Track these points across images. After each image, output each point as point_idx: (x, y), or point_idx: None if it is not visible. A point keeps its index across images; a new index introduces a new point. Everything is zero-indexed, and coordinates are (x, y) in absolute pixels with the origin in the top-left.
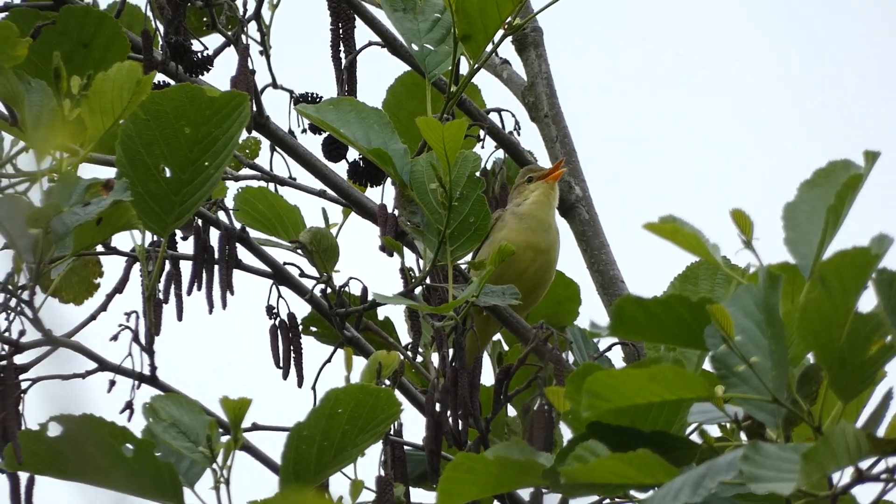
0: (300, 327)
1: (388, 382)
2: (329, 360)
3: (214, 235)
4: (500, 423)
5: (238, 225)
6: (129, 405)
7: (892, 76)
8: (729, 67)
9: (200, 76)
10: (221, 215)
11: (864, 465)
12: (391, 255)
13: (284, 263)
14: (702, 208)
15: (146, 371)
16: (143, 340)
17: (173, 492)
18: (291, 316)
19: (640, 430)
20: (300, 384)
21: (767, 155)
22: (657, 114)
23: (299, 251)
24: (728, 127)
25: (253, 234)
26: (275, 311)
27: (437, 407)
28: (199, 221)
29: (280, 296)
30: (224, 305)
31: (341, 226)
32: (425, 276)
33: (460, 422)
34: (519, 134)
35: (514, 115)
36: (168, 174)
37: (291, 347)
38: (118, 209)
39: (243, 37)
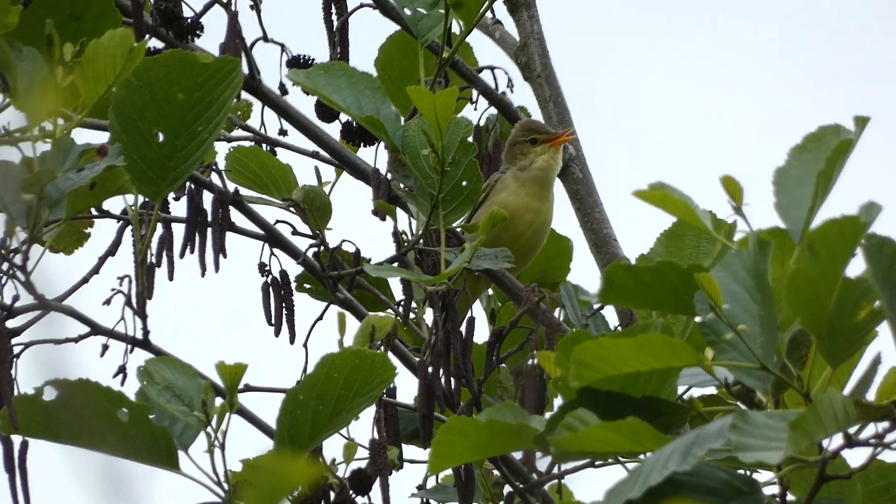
0: (293, 284)
1: (380, 346)
2: (321, 318)
3: (207, 198)
4: (492, 382)
5: (231, 188)
6: (122, 369)
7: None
8: (726, 25)
9: (191, 41)
10: (214, 178)
11: (853, 430)
12: (384, 218)
13: (277, 222)
14: (696, 168)
15: (139, 335)
16: (135, 304)
17: (168, 456)
18: (283, 273)
19: (629, 396)
20: (292, 341)
21: (764, 112)
22: (650, 72)
23: (292, 209)
24: (723, 86)
25: (245, 192)
26: (267, 268)
27: (430, 371)
28: (192, 184)
29: (272, 254)
30: (217, 268)
31: (334, 184)
32: (417, 240)
33: (453, 383)
34: (512, 92)
35: (507, 73)
36: (161, 139)
37: (283, 304)
38: (112, 174)
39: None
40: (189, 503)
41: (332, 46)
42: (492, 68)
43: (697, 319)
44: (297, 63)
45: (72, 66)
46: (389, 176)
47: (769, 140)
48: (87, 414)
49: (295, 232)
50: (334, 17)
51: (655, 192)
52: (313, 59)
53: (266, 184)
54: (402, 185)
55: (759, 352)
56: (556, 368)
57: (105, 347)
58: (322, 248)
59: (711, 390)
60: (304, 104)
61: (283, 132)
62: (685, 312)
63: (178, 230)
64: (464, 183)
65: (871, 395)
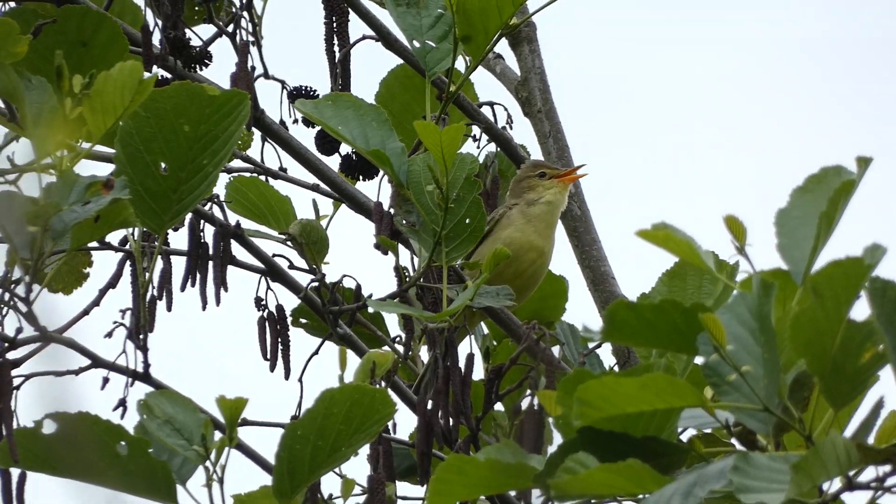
0: (289, 319)
1: (381, 382)
2: (316, 353)
3: (209, 231)
4: (488, 420)
5: (233, 221)
6: (122, 402)
7: None
8: (727, 63)
9: (199, 71)
10: (216, 210)
11: (853, 472)
12: (385, 253)
13: (274, 255)
14: (696, 205)
15: (139, 368)
16: (136, 337)
17: (167, 490)
18: (280, 308)
19: (630, 436)
20: (287, 376)
21: (766, 150)
22: (651, 110)
23: (289, 243)
24: (723, 124)
25: (243, 223)
26: (263, 302)
27: (429, 408)
28: (193, 216)
29: (269, 288)
30: (218, 302)
31: (331, 218)
32: (419, 277)
33: (451, 420)
34: (511, 128)
35: (506, 109)
36: (166, 172)
37: (279, 339)
38: (116, 207)
39: (242, 31)
40: None
41: (333, 79)
42: (492, 104)
43: (699, 360)
44: (300, 94)
45: (80, 98)
46: (392, 211)
47: (772, 176)
48: (87, 447)
49: (292, 266)
50: (336, 49)
51: (658, 233)
52: (316, 91)
53: (265, 214)
54: (404, 221)
55: (761, 393)
56: (557, 407)
57: (106, 380)
58: (322, 285)
59: (708, 429)
60: (304, 137)
61: (282, 169)
62: (687, 352)
63: (178, 262)
64: (467, 220)
65: (871, 438)
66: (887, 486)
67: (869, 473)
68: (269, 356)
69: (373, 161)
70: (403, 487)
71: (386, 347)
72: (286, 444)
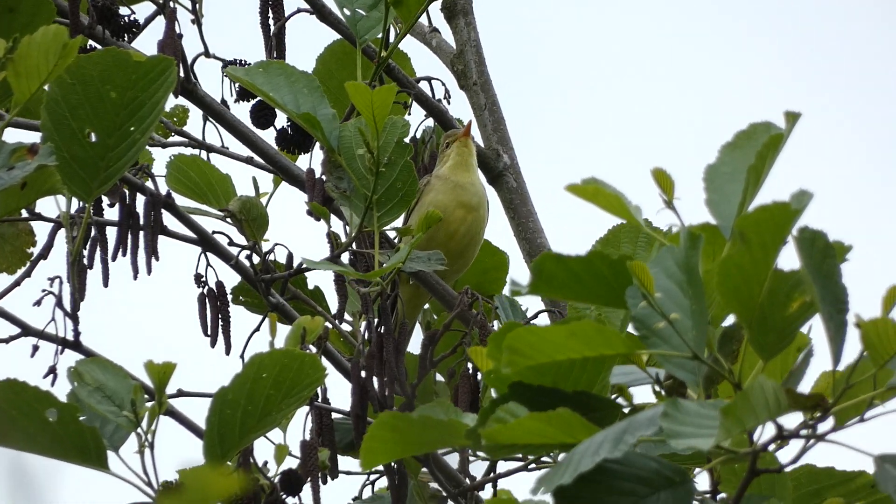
0: (229, 297)
1: (312, 348)
2: (258, 329)
3: (140, 201)
4: (427, 390)
5: (164, 191)
6: (52, 370)
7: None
8: (657, 31)
9: (126, 41)
10: (148, 181)
11: (786, 423)
12: (318, 220)
13: (214, 232)
14: (632, 176)
15: (70, 336)
16: (66, 305)
17: (97, 456)
18: (220, 284)
19: (561, 391)
20: (228, 352)
21: (703, 119)
22: (586, 81)
23: (229, 220)
24: (657, 91)
25: (184, 202)
26: (203, 279)
27: (363, 373)
28: (125, 188)
29: (209, 264)
30: (149, 271)
31: (271, 195)
32: (351, 242)
33: (386, 387)
34: (449, 102)
35: (444, 84)
36: (93, 139)
37: (219, 315)
38: (43, 174)
39: (171, 2)
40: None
41: (268, 52)
42: (429, 79)
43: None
44: (234, 65)
45: (4, 63)
46: (324, 177)
47: (709, 135)
48: (16, 414)
49: (231, 243)
50: (271, 23)
51: (588, 187)
52: (249, 63)
53: (205, 192)
54: (336, 187)
55: (691, 342)
56: (489, 361)
57: (35, 348)
58: (254, 253)
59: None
60: (240, 113)
61: (223, 146)
62: (616, 305)
63: (111, 234)
64: (399, 185)
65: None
66: (819, 434)
67: (796, 422)
68: (209, 332)
69: (303, 125)
70: (346, 462)
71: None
72: (216, 409)
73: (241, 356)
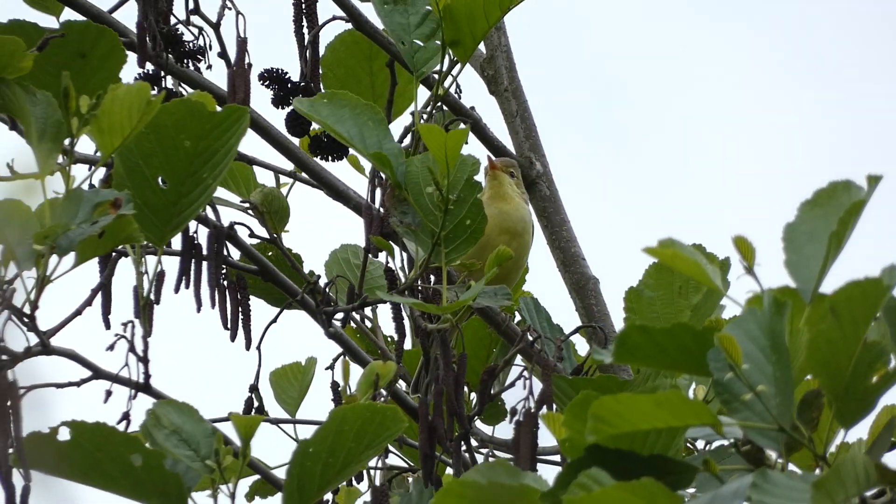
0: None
1: (383, 391)
2: (275, 321)
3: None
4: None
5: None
6: (126, 416)
7: None
8: (705, 38)
9: (191, 66)
10: (209, 211)
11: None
12: (377, 255)
13: (233, 223)
14: (664, 183)
15: (140, 379)
16: (138, 348)
17: (178, 500)
18: (240, 277)
19: (637, 454)
20: (248, 347)
21: (740, 143)
22: (620, 88)
23: (250, 211)
24: (694, 101)
25: None
26: (223, 272)
27: (430, 410)
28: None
29: (228, 254)
30: (213, 304)
31: (291, 186)
32: (417, 277)
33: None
34: (460, 95)
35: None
36: (166, 185)
37: (240, 308)
38: (120, 222)
39: (240, 26)
40: None
41: (302, 60)
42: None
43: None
44: (271, 76)
45: (87, 119)
46: (384, 211)
47: (740, 153)
48: (101, 456)
49: (252, 234)
50: (305, 31)
51: (666, 251)
52: (288, 73)
53: (226, 181)
54: (401, 222)
55: (774, 412)
56: (563, 430)
57: (109, 393)
58: (317, 281)
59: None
60: (274, 117)
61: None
62: (698, 373)
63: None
64: (468, 221)
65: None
66: None
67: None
68: (229, 325)
69: (373, 163)
70: None
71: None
72: (297, 461)
73: (258, 348)
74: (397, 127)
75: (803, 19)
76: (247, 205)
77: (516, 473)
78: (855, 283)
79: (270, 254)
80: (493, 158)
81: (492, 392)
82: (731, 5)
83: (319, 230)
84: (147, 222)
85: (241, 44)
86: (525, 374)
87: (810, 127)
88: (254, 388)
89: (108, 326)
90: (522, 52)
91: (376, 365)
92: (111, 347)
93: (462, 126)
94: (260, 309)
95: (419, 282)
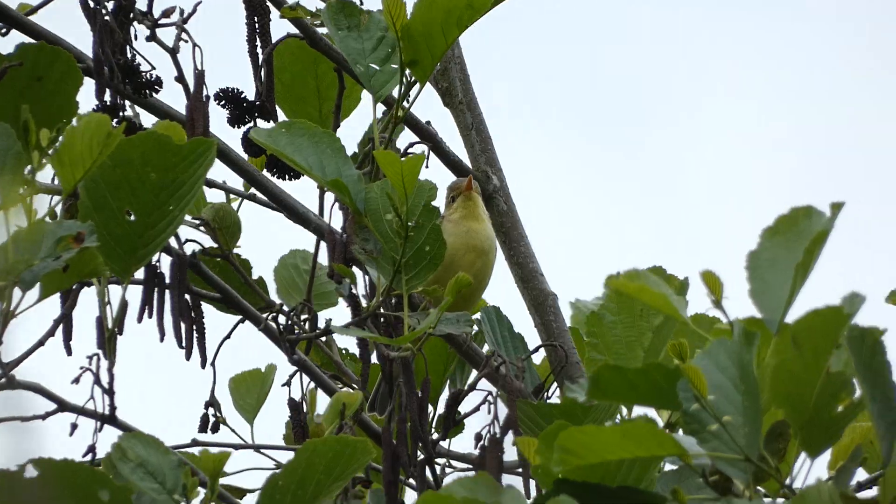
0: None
1: (350, 423)
2: (228, 336)
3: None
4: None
5: (189, 251)
6: (91, 449)
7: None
8: (656, 50)
9: (149, 96)
10: (172, 241)
11: None
12: (339, 282)
13: (186, 240)
14: (620, 189)
15: (106, 411)
16: (103, 380)
17: None
18: (194, 297)
19: (609, 487)
20: (203, 365)
21: (702, 152)
22: (574, 101)
23: (202, 228)
24: (655, 111)
25: None
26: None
27: (393, 438)
28: None
29: (182, 275)
30: (177, 335)
31: (241, 202)
32: (380, 305)
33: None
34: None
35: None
36: (132, 218)
37: (194, 327)
38: (85, 256)
39: (197, 57)
40: None
41: (257, 80)
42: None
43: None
44: (227, 96)
45: (48, 152)
46: (346, 238)
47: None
48: (69, 494)
49: (204, 251)
50: (259, 50)
51: (631, 285)
52: (243, 93)
53: None
54: (363, 249)
55: (742, 442)
56: (536, 457)
57: (74, 426)
58: (280, 312)
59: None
60: (229, 136)
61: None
62: (669, 407)
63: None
64: (427, 248)
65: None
66: None
67: None
68: (183, 344)
69: (332, 191)
70: None
71: (347, 389)
72: (266, 494)
73: (212, 364)
74: (347, 131)
75: None
76: (198, 221)
77: (496, 491)
78: (815, 312)
79: (218, 259)
80: (472, 181)
81: (455, 417)
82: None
83: (271, 244)
84: (112, 254)
85: (199, 76)
86: (489, 398)
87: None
88: (210, 404)
89: (69, 353)
90: (477, 63)
91: (343, 394)
92: (76, 380)
93: (419, 151)
94: (216, 317)
95: (382, 308)
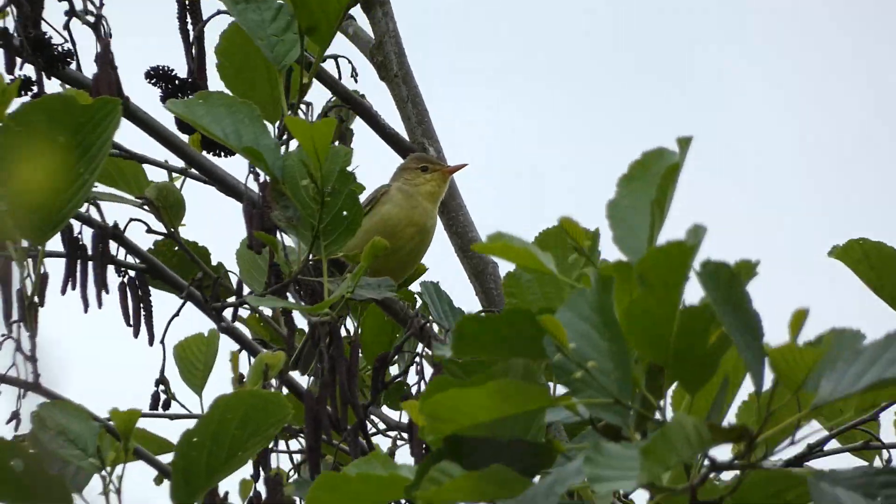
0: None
1: (273, 382)
2: (177, 314)
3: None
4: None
5: (110, 221)
6: (15, 415)
7: None
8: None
9: (62, 69)
10: (92, 211)
11: (720, 455)
12: (259, 251)
13: (130, 220)
14: (555, 163)
15: (30, 379)
16: (25, 348)
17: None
18: (140, 274)
19: (496, 440)
20: (151, 342)
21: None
22: (507, 68)
23: (146, 207)
24: (586, 82)
25: (99, 189)
26: (123, 269)
27: (315, 401)
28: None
29: (128, 252)
30: (100, 304)
31: (184, 180)
32: (300, 271)
33: (339, 410)
34: (356, 79)
35: (350, 62)
36: (43, 183)
37: (141, 304)
38: None
39: (103, 24)
40: None
41: (188, 58)
42: (335, 57)
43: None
44: (158, 74)
45: None
46: (268, 205)
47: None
48: None
49: (149, 230)
50: (190, 28)
51: (496, 245)
52: (174, 70)
53: (115, 180)
54: (282, 216)
55: (612, 386)
56: (421, 417)
57: None
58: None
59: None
60: (164, 115)
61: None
62: (539, 356)
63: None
64: (344, 213)
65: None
66: (753, 463)
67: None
68: (131, 322)
69: (246, 157)
70: None
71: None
72: (182, 452)
73: (162, 342)
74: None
75: None
76: (142, 200)
77: (391, 466)
78: (658, 249)
79: (176, 248)
80: (451, 166)
81: (385, 381)
82: None
83: (217, 222)
84: (25, 222)
85: (105, 45)
86: (417, 360)
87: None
88: (159, 382)
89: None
90: (409, 37)
91: (265, 355)
92: None
93: (341, 115)
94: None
95: (302, 275)
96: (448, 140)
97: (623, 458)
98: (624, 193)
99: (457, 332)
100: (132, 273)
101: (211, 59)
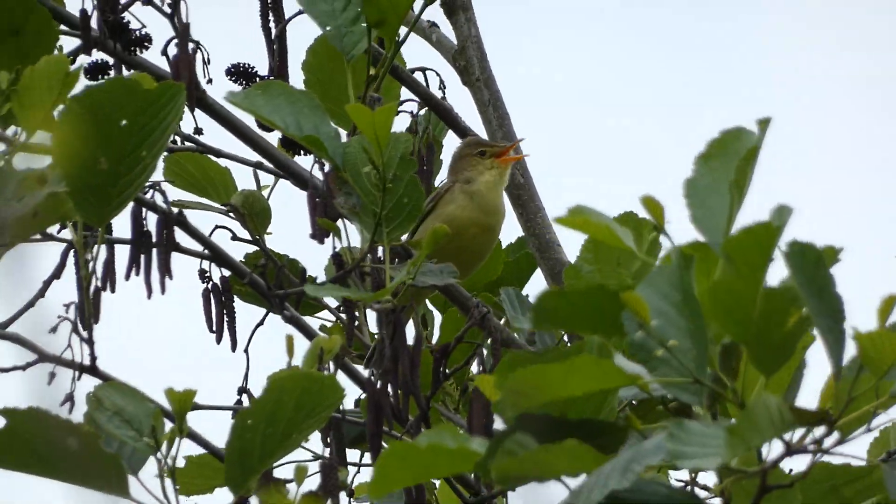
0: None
1: (331, 366)
2: (261, 323)
3: (151, 218)
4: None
5: (175, 210)
6: (69, 397)
7: None
8: (659, 21)
9: (138, 54)
10: (157, 197)
11: (794, 438)
12: (322, 241)
13: (217, 227)
14: (632, 166)
15: (86, 361)
16: (82, 330)
17: (118, 482)
18: (224, 280)
19: (567, 419)
20: (234, 348)
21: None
22: (589, 75)
23: (231, 214)
24: (660, 86)
25: (184, 196)
26: (207, 275)
27: (377, 388)
28: (135, 205)
29: (212, 260)
30: (163, 290)
31: (272, 188)
32: (362, 258)
33: (401, 399)
34: (444, 91)
35: (438, 74)
36: (104, 166)
37: (224, 311)
38: (54, 200)
39: (183, 9)
40: None
41: (270, 54)
42: (423, 69)
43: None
44: (239, 71)
45: (8, 95)
46: (333, 194)
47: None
48: (38, 442)
49: (235, 237)
50: (272, 25)
51: (576, 219)
52: (255, 68)
53: (204, 187)
54: (345, 204)
55: (691, 365)
56: (496, 392)
57: (52, 375)
58: (265, 263)
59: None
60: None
61: (198, 131)
62: (617, 333)
63: (121, 252)
64: (406, 199)
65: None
66: (826, 448)
67: (808, 438)
68: (214, 328)
69: (308, 147)
70: (353, 454)
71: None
72: (236, 434)
73: (246, 351)
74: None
75: None
76: (227, 207)
77: (461, 438)
78: (745, 230)
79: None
80: (511, 153)
81: (446, 371)
82: None
83: (303, 230)
84: (86, 203)
85: (184, 28)
86: (477, 350)
87: None
88: (242, 391)
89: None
90: (491, 41)
91: (321, 339)
92: (54, 329)
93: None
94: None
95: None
96: (530, 143)
97: (707, 435)
98: (702, 172)
99: (536, 305)
100: (216, 279)
101: (292, 57)
